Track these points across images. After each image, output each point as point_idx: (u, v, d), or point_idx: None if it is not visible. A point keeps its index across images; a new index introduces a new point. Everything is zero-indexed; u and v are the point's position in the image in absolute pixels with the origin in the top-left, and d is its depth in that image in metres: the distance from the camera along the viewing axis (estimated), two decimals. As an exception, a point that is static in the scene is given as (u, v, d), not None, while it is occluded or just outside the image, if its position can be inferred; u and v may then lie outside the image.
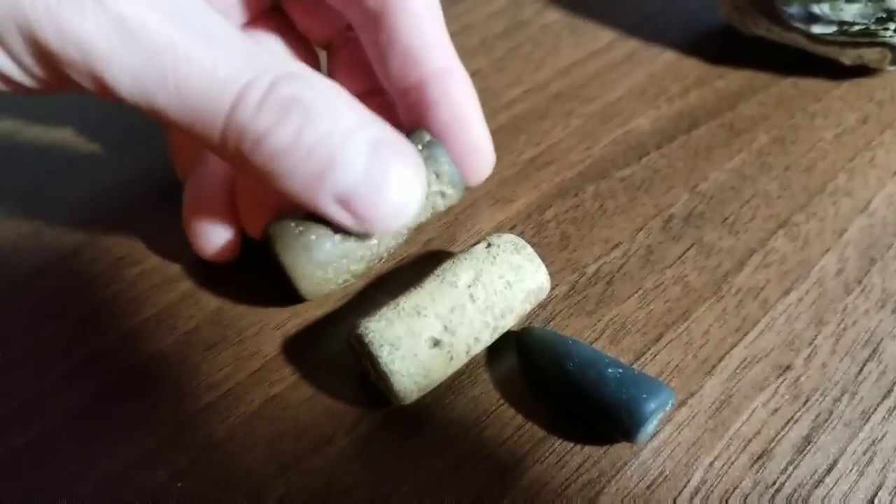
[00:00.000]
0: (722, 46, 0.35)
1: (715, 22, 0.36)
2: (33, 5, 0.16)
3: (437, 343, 0.20)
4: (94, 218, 0.27)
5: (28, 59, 0.17)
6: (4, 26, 0.16)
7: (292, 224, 0.21)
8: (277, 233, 0.21)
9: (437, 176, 0.22)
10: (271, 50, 0.24)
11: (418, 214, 0.21)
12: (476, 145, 0.24)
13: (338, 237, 0.21)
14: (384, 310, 0.20)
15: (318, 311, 0.24)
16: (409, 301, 0.20)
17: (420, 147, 0.22)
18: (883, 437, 0.21)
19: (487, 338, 0.21)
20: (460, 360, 0.20)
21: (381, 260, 0.23)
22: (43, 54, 0.17)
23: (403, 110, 0.24)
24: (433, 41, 0.23)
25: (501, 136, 0.30)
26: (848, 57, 0.32)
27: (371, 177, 0.19)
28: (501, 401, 0.22)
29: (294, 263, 0.21)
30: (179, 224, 0.25)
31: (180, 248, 0.26)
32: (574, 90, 0.33)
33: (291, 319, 0.24)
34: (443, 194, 0.23)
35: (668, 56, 0.34)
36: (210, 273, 0.25)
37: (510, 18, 0.37)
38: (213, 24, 0.18)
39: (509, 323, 0.21)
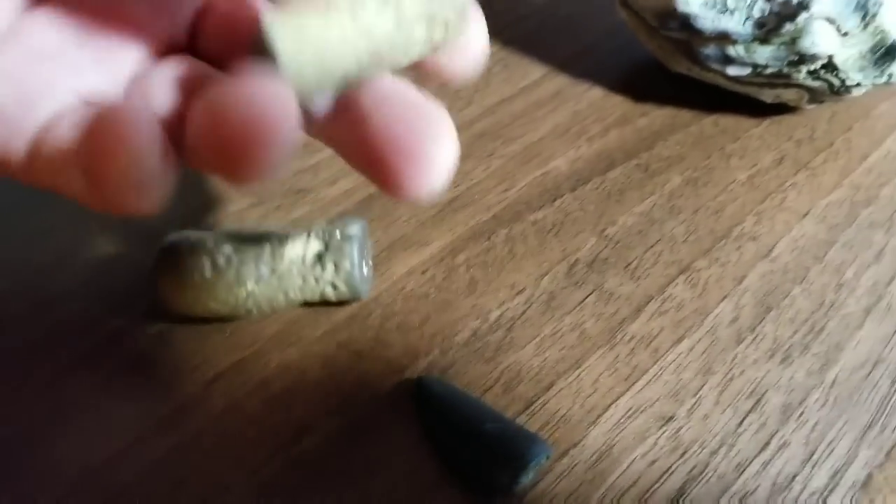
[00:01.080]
0: (649, 82, 0.35)
1: (646, 56, 0.37)
2: None
3: None
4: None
5: None
6: None
7: None
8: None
9: (336, 268, 0.23)
10: None
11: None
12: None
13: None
14: None
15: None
16: None
17: (338, 235, 0.23)
18: (755, 490, 0.21)
19: None
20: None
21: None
22: None
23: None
24: None
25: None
26: (767, 96, 0.32)
27: None
28: (395, 446, 0.22)
29: None
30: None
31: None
32: (498, 129, 0.33)
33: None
34: (334, 286, 0.24)
35: (595, 93, 0.35)
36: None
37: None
38: None
39: None
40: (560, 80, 0.36)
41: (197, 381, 0.24)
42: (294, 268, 0.23)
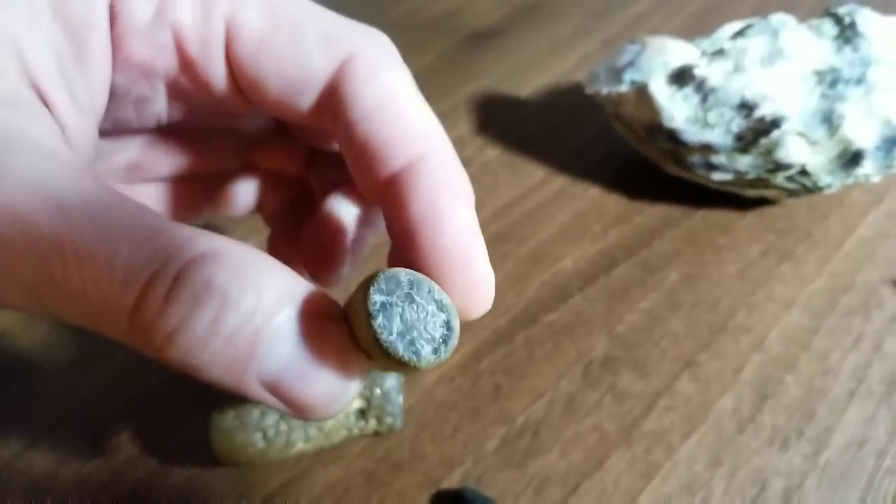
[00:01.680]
0: (642, 180, 0.39)
1: (637, 156, 0.40)
2: None
3: None
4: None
5: None
6: None
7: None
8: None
9: (379, 421, 0.27)
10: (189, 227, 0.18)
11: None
12: (472, 292, 0.18)
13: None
14: None
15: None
16: None
17: (378, 392, 0.26)
18: (765, 573, 0.24)
19: None
20: None
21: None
22: None
23: (386, 220, 0.20)
24: (406, 127, 0.18)
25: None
26: (750, 193, 0.36)
27: (299, 360, 0.16)
28: (439, 558, 0.25)
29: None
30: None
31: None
32: (510, 230, 0.37)
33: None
34: (377, 433, 0.27)
35: (594, 192, 0.38)
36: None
37: (454, 157, 0.41)
38: (109, 208, 0.15)
39: None
40: (561, 181, 0.39)
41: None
42: (339, 424, 0.26)
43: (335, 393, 0.16)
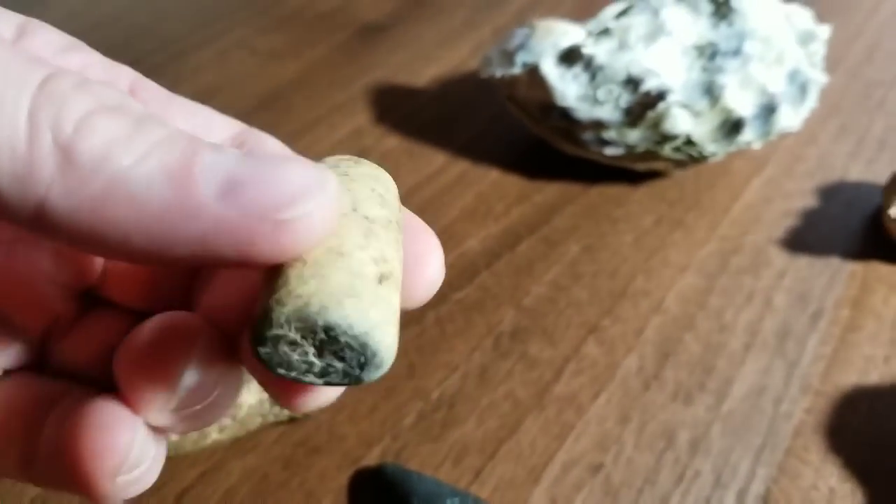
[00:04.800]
0: (539, 161, 0.40)
1: (533, 137, 0.41)
2: None
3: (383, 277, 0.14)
4: None
5: None
6: None
7: None
8: None
9: None
10: None
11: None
12: None
13: None
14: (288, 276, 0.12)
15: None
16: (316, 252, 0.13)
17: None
18: (677, 518, 0.25)
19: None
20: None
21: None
22: None
23: None
24: None
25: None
26: (641, 167, 0.37)
27: (249, 159, 0.12)
28: (362, 535, 0.25)
29: None
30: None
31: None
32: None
33: (168, 483, 0.26)
34: (292, 417, 0.26)
35: (493, 174, 0.39)
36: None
37: (354, 147, 0.41)
38: None
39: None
40: (461, 166, 0.40)
41: (166, 498, 0.26)
42: (253, 411, 0.26)
43: (312, 179, 0.12)
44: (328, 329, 0.12)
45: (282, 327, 0.12)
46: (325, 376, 0.13)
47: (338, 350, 0.12)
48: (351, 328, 0.12)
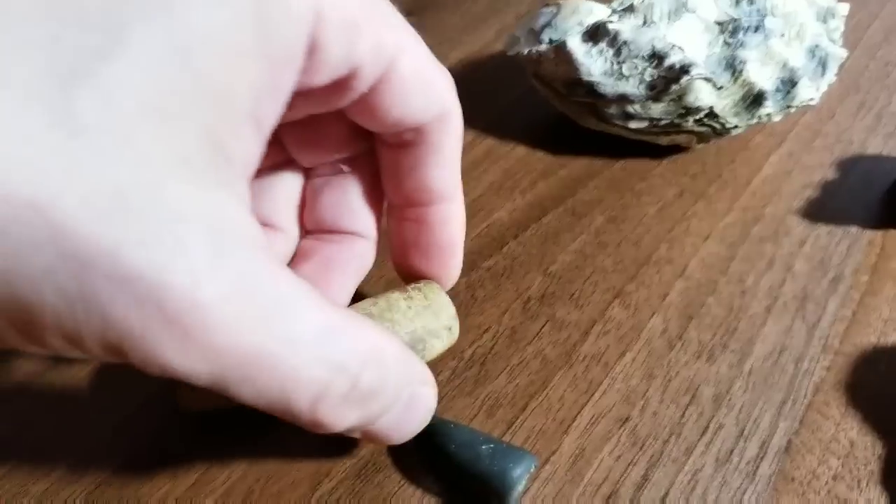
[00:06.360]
0: (563, 138, 0.41)
1: (557, 115, 0.42)
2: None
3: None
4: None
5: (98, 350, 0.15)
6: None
7: None
8: None
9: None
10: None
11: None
12: (452, 272, 0.27)
13: None
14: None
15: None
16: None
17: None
18: (702, 467, 0.26)
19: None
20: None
21: None
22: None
23: (396, 221, 0.26)
24: (452, 167, 0.24)
25: (382, 239, 0.35)
26: (663, 141, 0.38)
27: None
28: (402, 482, 0.26)
29: None
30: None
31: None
32: (443, 190, 0.38)
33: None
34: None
35: (519, 151, 0.40)
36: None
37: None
38: (298, 312, 0.16)
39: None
40: (488, 142, 0.41)
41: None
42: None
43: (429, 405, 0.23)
44: None
45: None
46: None
47: None
48: None
